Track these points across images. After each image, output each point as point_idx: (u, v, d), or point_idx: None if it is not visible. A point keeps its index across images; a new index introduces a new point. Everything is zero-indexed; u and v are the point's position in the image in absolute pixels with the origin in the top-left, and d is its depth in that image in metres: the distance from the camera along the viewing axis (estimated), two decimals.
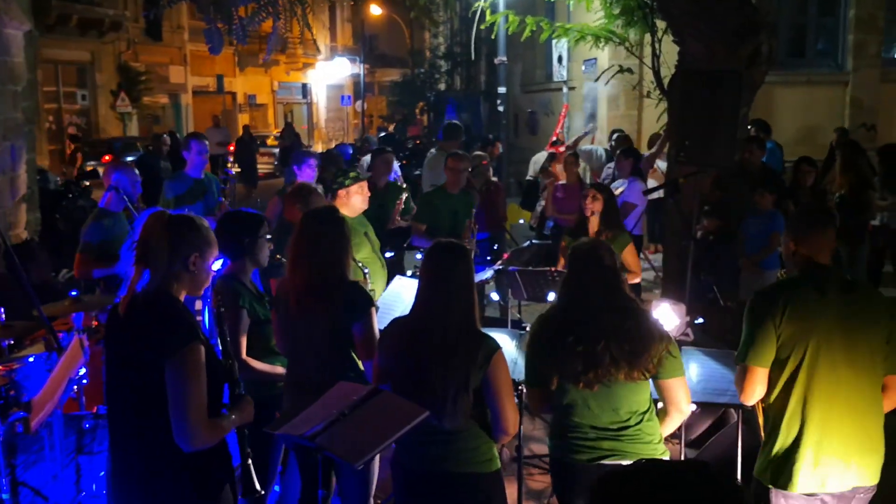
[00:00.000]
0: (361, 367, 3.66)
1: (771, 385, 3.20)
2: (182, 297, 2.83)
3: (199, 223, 2.85)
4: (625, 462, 3.08)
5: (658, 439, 3.24)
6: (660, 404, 3.33)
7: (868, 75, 13.60)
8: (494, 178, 8.73)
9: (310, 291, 3.53)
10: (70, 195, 11.91)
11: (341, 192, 5.14)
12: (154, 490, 2.75)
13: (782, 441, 3.18)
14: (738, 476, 3.91)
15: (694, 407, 3.46)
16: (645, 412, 3.21)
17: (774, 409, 3.22)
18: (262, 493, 3.11)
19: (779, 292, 3.25)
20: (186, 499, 2.78)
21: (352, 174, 5.22)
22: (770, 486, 3.20)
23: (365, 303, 3.61)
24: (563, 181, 8.56)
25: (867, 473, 3.17)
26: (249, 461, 2.96)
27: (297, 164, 6.56)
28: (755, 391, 3.21)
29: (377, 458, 3.43)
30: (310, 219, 3.71)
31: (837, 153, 8.47)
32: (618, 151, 8.97)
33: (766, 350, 3.15)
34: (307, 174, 6.41)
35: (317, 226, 3.63)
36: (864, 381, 3.14)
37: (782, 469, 3.17)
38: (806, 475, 3.14)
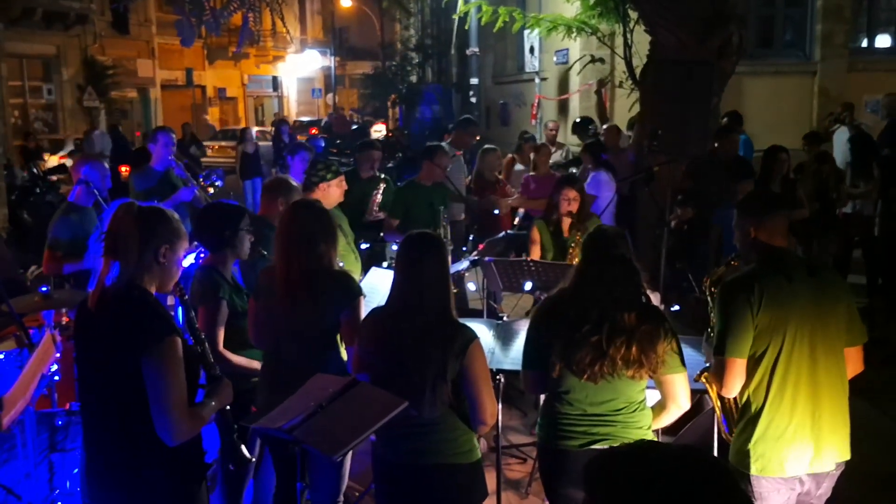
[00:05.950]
0: (345, 356, 3.66)
1: (748, 374, 3.17)
2: (153, 291, 2.80)
3: (169, 215, 2.83)
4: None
5: (648, 427, 3.23)
6: (653, 394, 3.30)
7: (835, 65, 13.76)
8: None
9: (304, 281, 3.53)
10: (37, 190, 11.76)
11: (322, 185, 5.12)
12: (137, 484, 2.72)
13: (764, 428, 3.16)
14: None
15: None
16: (640, 402, 3.21)
17: (753, 398, 3.19)
18: (252, 459, 3.12)
19: (753, 280, 3.19)
20: (169, 490, 2.76)
21: (333, 168, 5.20)
22: (749, 473, 3.18)
23: (355, 290, 3.65)
24: (532, 172, 8.58)
25: (845, 449, 3.23)
26: (235, 435, 2.97)
27: (291, 154, 6.59)
28: (736, 383, 3.17)
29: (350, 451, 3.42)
30: (301, 210, 3.73)
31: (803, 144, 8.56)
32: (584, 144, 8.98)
33: (745, 341, 3.12)
34: (298, 167, 6.38)
35: (309, 217, 3.66)
36: (834, 359, 3.19)
37: (769, 455, 3.16)
38: (794, 459, 3.15)
